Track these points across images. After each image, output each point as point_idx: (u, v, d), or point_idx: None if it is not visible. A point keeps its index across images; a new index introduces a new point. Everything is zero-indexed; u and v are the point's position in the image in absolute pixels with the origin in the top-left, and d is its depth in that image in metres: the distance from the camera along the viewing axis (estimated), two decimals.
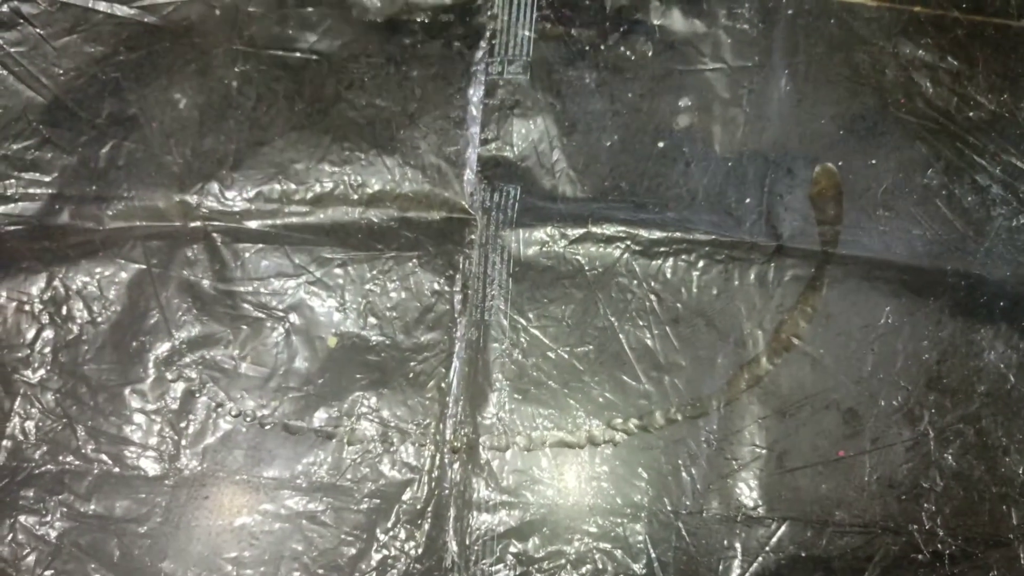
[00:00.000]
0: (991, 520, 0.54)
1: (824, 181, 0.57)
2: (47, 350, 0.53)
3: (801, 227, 0.56)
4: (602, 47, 0.58)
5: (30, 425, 0.52)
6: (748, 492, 0.53)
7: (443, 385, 0.54)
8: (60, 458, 0.51)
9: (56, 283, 0.53)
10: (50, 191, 0.54)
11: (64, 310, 0.53)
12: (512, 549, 0.52)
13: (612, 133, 0.57)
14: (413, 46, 0.58)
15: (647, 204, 0.56)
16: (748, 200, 0.56)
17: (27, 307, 0.53)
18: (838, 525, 0.53)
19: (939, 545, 0.53)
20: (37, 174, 0.54)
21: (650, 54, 0.58)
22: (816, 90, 0.58)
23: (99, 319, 0.53)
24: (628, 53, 0.58)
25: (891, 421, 0.55)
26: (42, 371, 0.52)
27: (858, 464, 0.54)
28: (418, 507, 0.52)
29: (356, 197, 0.56)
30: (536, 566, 0.52)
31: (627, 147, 0.57)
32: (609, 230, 0.56)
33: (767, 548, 0.52)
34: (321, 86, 0.57)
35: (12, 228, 0.54)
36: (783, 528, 0.53)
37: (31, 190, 0.54)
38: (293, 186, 0.56)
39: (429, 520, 0.52)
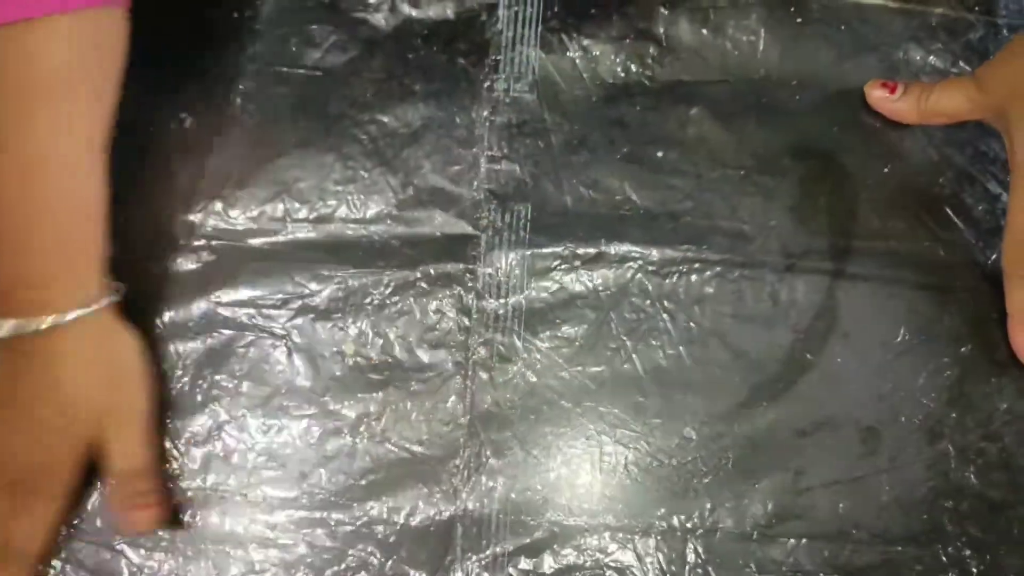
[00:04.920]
0: (1021, 540, 0.59)
1: (836, 192, 0.64)
2: None
3: (812, 242, 0.62)
4: (608, 60, 0.65)
5: None
6: (764, 510, 0.58)
7: (449, 404, 0.60)
8: None
9: None
10: None
11: None
12: (522, 567, 0.57)
13: (621, 147, 0.63)
14: (417, 63, 0.65)
15: (658, 217, 0.62)
16: (759, 214, 0.63)
17: None
18: (857, 543, 0.58)
19: (965, 564, 0.58)
20: None
21: (657, 65, 0.65)
22: (827, 99, 0.65)
23: None
24: (634, 65, 0.65)
25: (911, 440, 0.60)
26: None
27: (877, 483, 0.59)
28: (425, 526, 0.57)
29: (359, 215, 0.62)
30: None
31: (636, 160, 0.63)
32: (621, 249, 0.62)
33: (783, 567, 0.57)
34: (325, 103, 0.64)
35: None
36: (800, 547, 0.58)
37: None
38: (297, 204, 0.62)
39: (436, 539, 0.57)
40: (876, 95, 0.64)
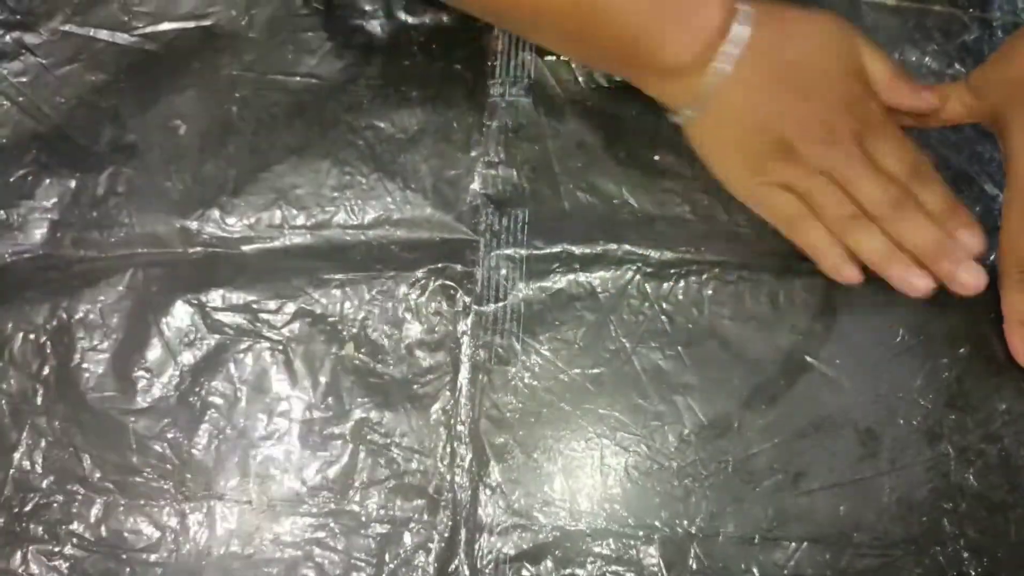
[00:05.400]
0: (1018, 541, 0.59)
1: None
2: (52, 379, 0.59)
3: None
4: None
5: (37, 455, 0.58)
6: (764, 514, 0.58)
7: (448, 408, 0.60)
8: (68, 487, 0.57)
9: (60, 312, 0.60)
10: (51, 219, 0.61)
11: (66, 339, 0.60)
12: (524, 572, 0.57)
13: (618, 150, 0.64)
14: (413, 69, 0.65)
15: (656, 220, 0.63)
16: (756, 216, 0.62)
17: (32, 337, 0.60)
18: (857, 547, 0.58)
19: (963, 567, 0.58)
20: (38, 202, 0.62)
21: None
22: None
23: (101, 347, 0.59)
24: None
25: (910, 441, 0.60)
26: (48, 401, 0.59)
27: (877, 485, 0.59)
28: (428, 531, 0.58)
29: (357, 221, 0.63)
30: None
31: (634, 163, 0.64)
32: (620, 252, 0.63)
33: (785, 572, 0.57)
34: (321, 109, 0.64)
35: (15, 258, 0.61)
36: (801, 551, 0.58)
37: (32, 218, 0.61)
38: (294, 211, 0.62)
39: (439, 544, 0.57)
40: None
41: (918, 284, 0.57)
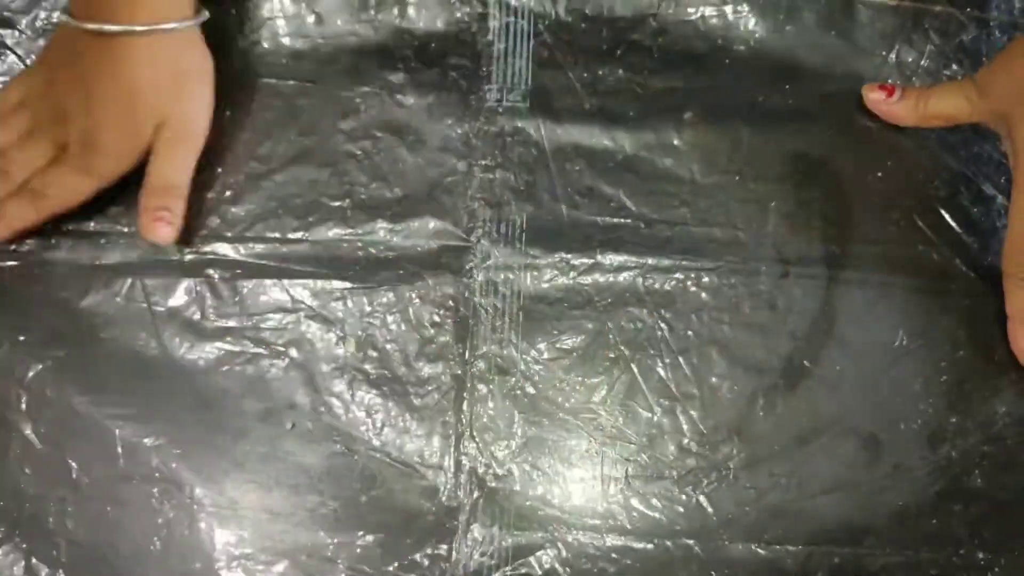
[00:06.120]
0: None
1: (831, 196, 0.64)
2: (41, 386, 0.58)
3: (809, 248, 0.63)
4: (600, 71, 0.65)
5: (28, 462, 0.57)
6: (770, 521, 0.58)
7: (447, 419, 0.60)
8: (57, 495, 0.57)
9: (55, 321, 0.59)
10: (46, 227, 0.60)
11: (60, 348, 0.59)
12: None
13: (615, 154, 0.64)
14: (408, 74, 0.65)
15: (654, 224, 0.63)
16: (754, 220, 0.63)
17: (24, 344, 0.59)
18: (871, 548, 0.58)
19: (979, 565, 0.58)
20: None
21: (649, 72, 0.66)
22: (820, 103, 0.66)
23: (96, 355, 0.59)
24: (627, 72, 0.66)
25: (913, 445, 0.60)
26: (36, 408, 0.58)
27: (883, 488, 0.59)
28: (427, 541, 0.57)
29: (354, 229, 0.62)
30: None
31: (631, 168, 0.64)
32: (618, 259, 0.62)
33: None
34: (316, 116, 0.64)
35: (9, 265, 0.60)
36: (810, 557, 0.58)
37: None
38: (293, 221, 0.62)
39: (439, 553, 0.57)
40: (873, 97, 0.64)
41: None
